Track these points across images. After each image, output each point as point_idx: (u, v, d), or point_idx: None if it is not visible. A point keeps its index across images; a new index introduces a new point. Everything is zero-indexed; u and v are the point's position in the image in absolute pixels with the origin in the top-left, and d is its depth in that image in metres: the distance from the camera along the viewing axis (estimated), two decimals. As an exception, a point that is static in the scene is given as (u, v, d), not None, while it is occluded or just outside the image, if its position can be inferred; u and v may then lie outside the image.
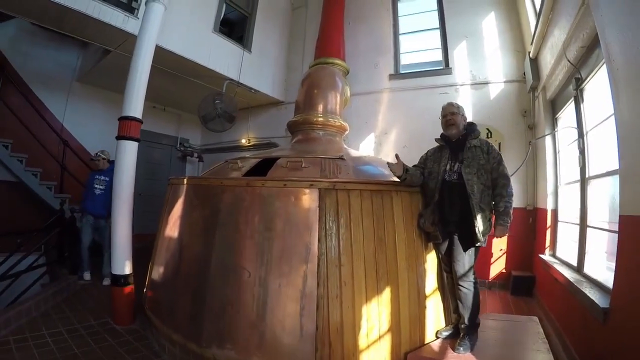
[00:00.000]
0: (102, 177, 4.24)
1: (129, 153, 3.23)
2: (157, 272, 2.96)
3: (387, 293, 2.28)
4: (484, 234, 2.24)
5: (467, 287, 2.31)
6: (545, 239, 3.88)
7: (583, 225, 3.10)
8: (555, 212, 3.80)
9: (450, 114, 2.46)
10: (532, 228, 4.41)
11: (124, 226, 3.23)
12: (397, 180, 2.46)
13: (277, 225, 2.28)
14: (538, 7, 3.70)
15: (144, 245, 4.00)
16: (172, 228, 2.86)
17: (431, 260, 2.54)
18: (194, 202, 2.73)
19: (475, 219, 2.21)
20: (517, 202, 4.68)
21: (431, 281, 2.51)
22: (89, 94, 5.78)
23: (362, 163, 2.96)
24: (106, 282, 3.93)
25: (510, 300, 4.00)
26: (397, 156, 2.46)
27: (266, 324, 2.19)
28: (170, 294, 2.70)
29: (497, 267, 4.65)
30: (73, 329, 2.99)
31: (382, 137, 5.68)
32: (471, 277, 2.31)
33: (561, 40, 3.12)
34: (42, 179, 5.03)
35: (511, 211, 2.30)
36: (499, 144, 4.67)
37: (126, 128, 3.17)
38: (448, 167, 2.38)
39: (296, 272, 2.20)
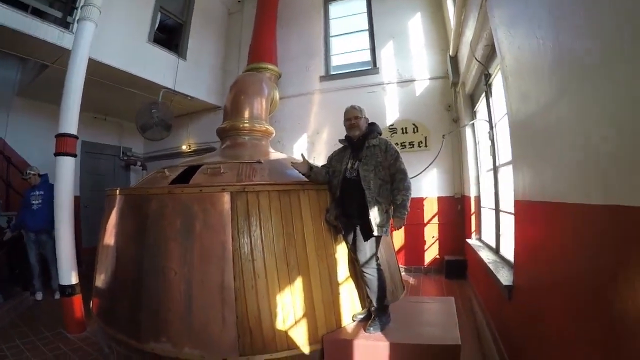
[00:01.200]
0: (38, 192, 4.65)
1: (66, 168, 3.66)
2: (100, 279, 3.40)
3: (299, 283, 2.77)
4: (380, 225, 2.70)
5: (370, 273, 2.79)
6: (471, 225, 4.47)
7: (497, 209, 3.67)
8: (478, 199, 4.39)
9: (354, 117, 2.92)
10: (460, 215, 5.01)
11: (67, 238, 3.66)
12: (304, 180, 2.97)
13: (196, 228, 2.75)
14: (454, 8, 4.26)
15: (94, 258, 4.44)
16: (110, 236, 3.30)
17: (342, 251, 3.04)
18: (125, 211, 3.19)
19: (371, 211, 2.68)
20: (445, 190, 5.35)
21: (343, 270, 3.01)
22: (30, 109, 6.10)
23: (279, 165, 3.46)
24: (57, 295, 4.32)
25: (444, 284, 4.59)
26: (302, 156, 2.98)
27: (193, 316, 2.66)
28: (112, 297, 3.16)
29: (431, 253, 5.28)
30: (29, 341, 3.45)
31: (314, 136, 6.32)
32: (374, 264, 2.80)
33: (470, 39, 3.67)
34: (-13, 198, 5.37)
35: (408, 204, 2.75)
36: (425, 138, 5.27)
37: (63, 144, 3.60)
38: (349, 165, 2.87)
39: (215, 268, 2.67)
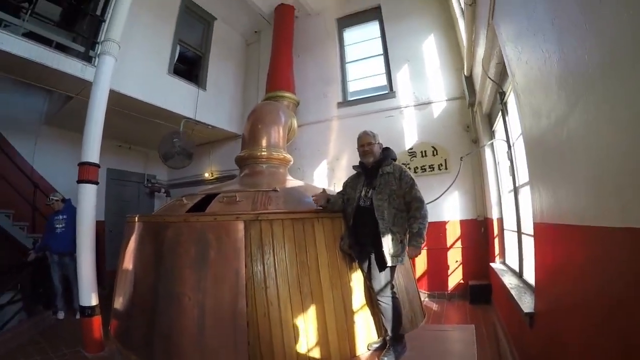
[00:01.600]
0: (61, 217, 4.92)
1: (88, 195, 3.86)
2: (118, 302, 3.52)
3: (312, 311, 2.80)
4: (394, 255, 2.68)
5: (385, 301, 2.78)
6: (494, 248, 4.37)
7: (519, 232, 3.59)
8: (500, 221, 4.29)
9: (367, 144, 2.93)
10: (484, 238, 4.90)
11: (87, 261, 3.82)
12: (319, 208, 3.02)
13: (210, 255, 2.85)
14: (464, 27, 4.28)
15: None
16: (128, 262, 3.44)
17: (357, 279, 3.05)
18: (144, 238, 3.32)
19: (384, 242, 2.66)
20: (468, 213, 5.26)
21: (358, 298, 3.02)
22: (57, 137, 6.50)
23: (295, 193, 3.55)
24: (78, 315, 4.50)
25: (468, 310, 4.48)
26: (323, 190, 3.06)
27: (206, 341, 2.72)
28: (128, 320, 3.28)
29: (455, 278, 5.16)
30: (47, 357, 3.61)
31: (334, 163, 6.41)
32: (388, 292, 2.79)
33: (482, 57, 3.68)
34: (15, 220, 5.62)
35: (424, 232, 2.71)
36: (445, 160, 5.24)
37: (85, 172, 3.81)
38: (363, 193, 2.88)
39: (228, 295, 2.74)
